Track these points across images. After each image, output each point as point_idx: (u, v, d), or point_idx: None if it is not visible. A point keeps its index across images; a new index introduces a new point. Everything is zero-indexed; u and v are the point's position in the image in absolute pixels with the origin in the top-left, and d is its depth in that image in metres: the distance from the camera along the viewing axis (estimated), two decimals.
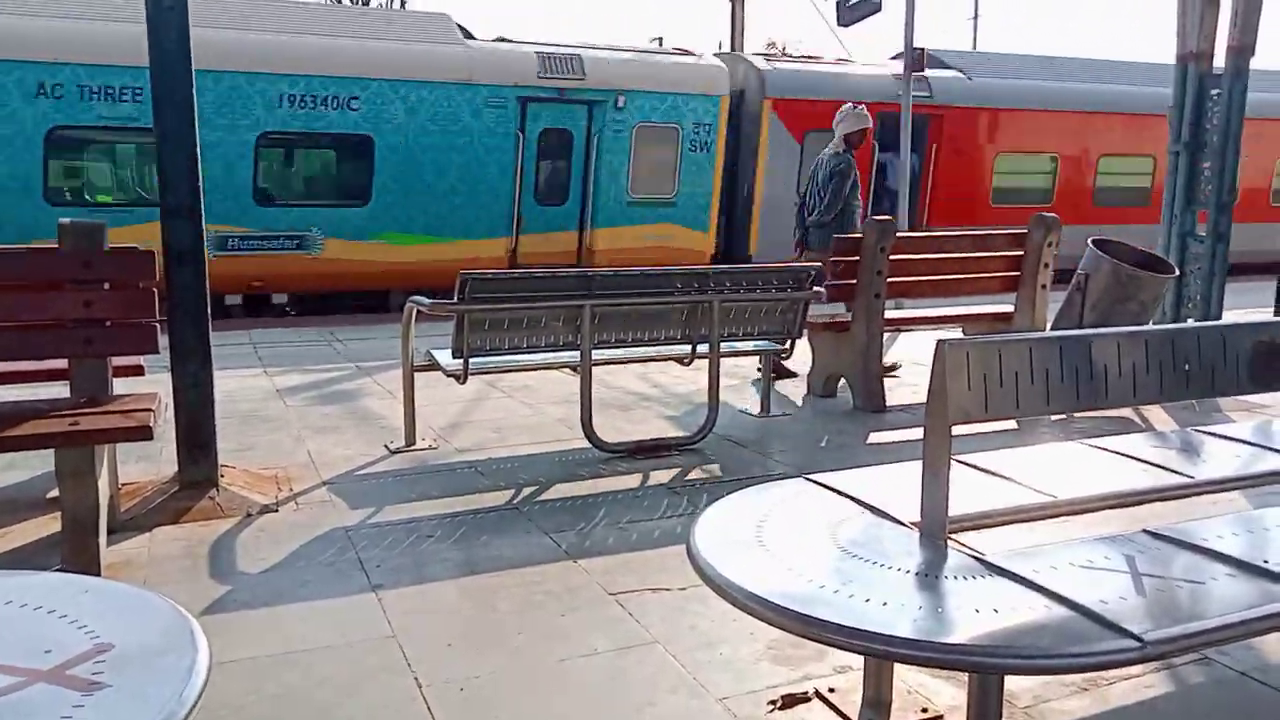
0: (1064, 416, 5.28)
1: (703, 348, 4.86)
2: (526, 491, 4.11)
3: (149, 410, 3.20)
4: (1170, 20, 6.74)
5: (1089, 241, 5.82)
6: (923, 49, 10.30)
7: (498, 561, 3.32)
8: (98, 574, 3.04)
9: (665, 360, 5.09)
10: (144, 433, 3.06)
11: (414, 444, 4.81)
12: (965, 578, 1.92)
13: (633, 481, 4.27)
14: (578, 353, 4.54)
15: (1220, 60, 6.52)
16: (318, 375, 6.77)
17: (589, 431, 4.60)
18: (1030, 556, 2.01)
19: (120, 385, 3.62)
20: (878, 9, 10.13)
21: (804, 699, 2.43)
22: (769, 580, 1.90)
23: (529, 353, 4.56)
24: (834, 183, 6.52)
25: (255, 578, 3.18)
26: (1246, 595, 1.86)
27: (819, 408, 5.83)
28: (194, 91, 3.82)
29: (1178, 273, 6.19)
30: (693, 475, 4.39)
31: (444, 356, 4.58)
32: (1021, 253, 6.19)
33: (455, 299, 4.23)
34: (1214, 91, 6.54)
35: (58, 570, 3.02)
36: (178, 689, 1.38)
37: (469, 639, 2.75)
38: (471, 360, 4.40)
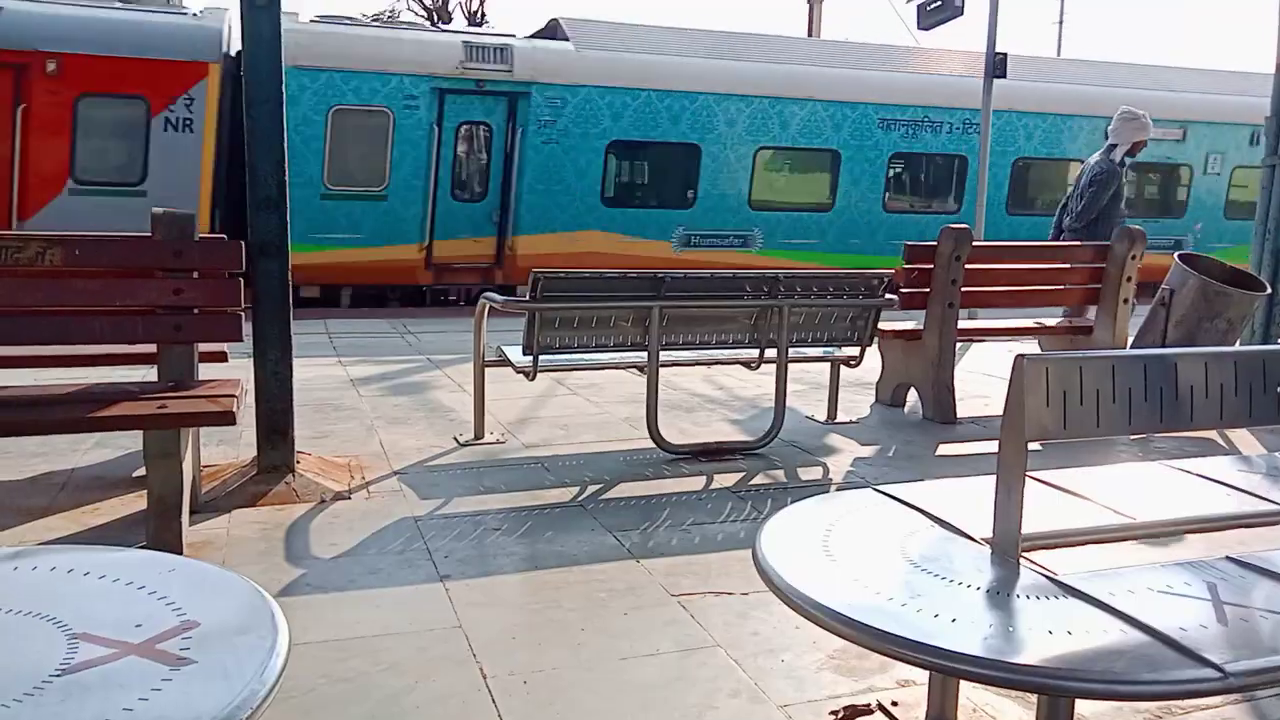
0: (1143, 436, 5.12)
1: (770, 352, 4.84)
2: (591, 489, 4.15)
3: (232, 396, 3.31)
4: (1270, 27, 6.49)
5: (1175, 256, 5.64)
6: (1004, 53, 10.10)
7: (562, 558, 3.36)
8: (180, 553, 3.16)
9: (733, 364, 5.08)
10: (228, 418, 3.17)
11: (482, 438, 4.89)
12: (1037, 597, 1.89)
13: (696, 484, 4.28)
14: (645, 353, 4.56)
15: None
16: (390, 367, 6.92)
17: (654, 432, 4.62)
18: (1106, 578, 1.97)
19: (204, 371, 3.76)
20: (959, 13, 9.96)
21: (866, 711, 2.41)
22: (835, 590, 1.89)
23: (597, 351, 4.60)
24: (1092, 190, 6.49)
25: (328, 563, 3.27)
26: None
27: (887, 417, 5.75)
28: (284, 90, 3.94)
29: (1269, 290, 5.96)
30: (757, 480, 4.38)
31: (514, 353, 4.64)
32: (1103, 265, 6.03)
33: (528, 297, 4.29)
34: None
35: (143, 548, 3.15)
36: (259, 668, 1.43)
37: (533, 633, 2.79)
38: (541, 358, 4.46)
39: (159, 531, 3.23)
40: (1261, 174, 6.63)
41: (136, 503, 3.70)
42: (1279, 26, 6.43)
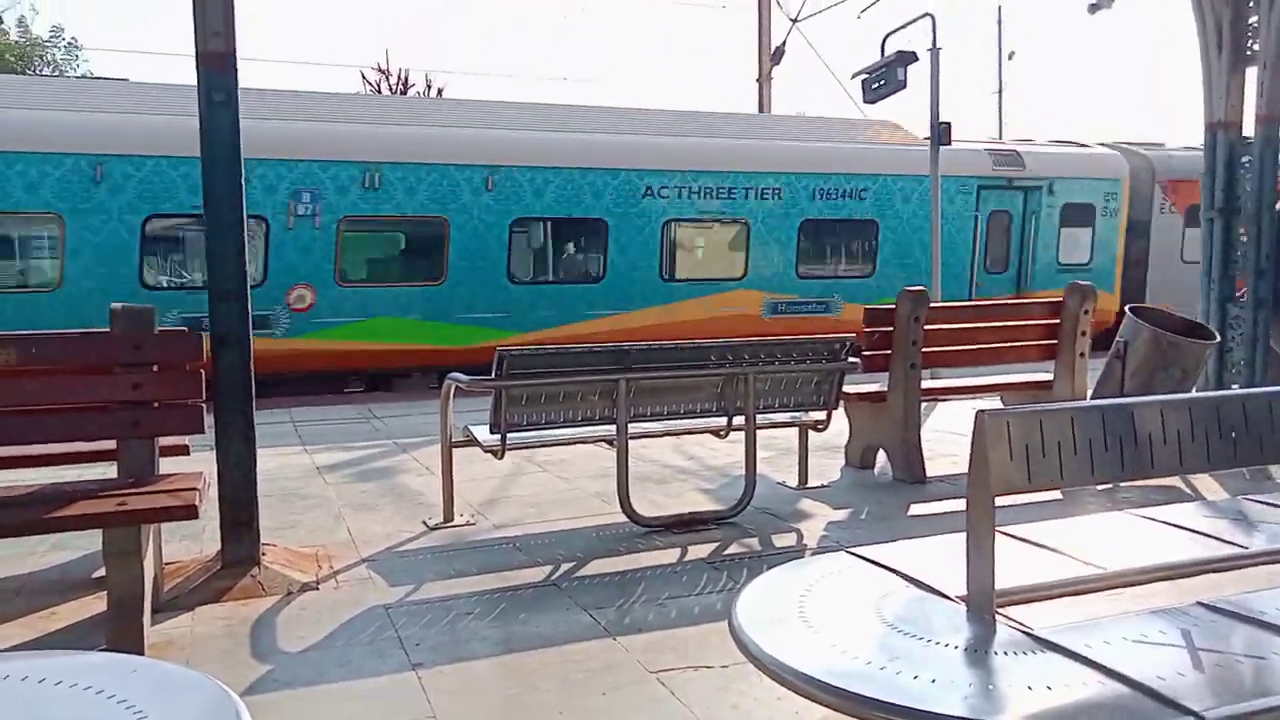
0: (1109, 486, 5.18)
1: (738, 420, 4.86)
2: (564, 567, 4.09)
3: (194, 490, 3.25)
4: (1198, 91, 6.80)
5: (1127, 309, 5.79)
6: (948, 123, 10.45)
7: (537, 639, 3.29)
8: (142, 654, 3.06)
9: (701, 433, 5.09)
10: (190, 512, 3.11)
11: (452, 520, 4.82)
12: (1015, 653, 1.88)
13: (671, 556, 4.24)
14: (614, 426, 4.56)
15: (1249, 128, 6.54)
16: (356, 452, 6.83)
17: (626, 505, 4.59)
18: (1082, 631, 1.97)
19: (165, 464, 3.69)
20: (902, 87, 10.29)
21: None
22: (814, 657, 1.87)
23: (565, 427, 4.59)
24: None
25: (296, 657, 3.17)
26: None
27: (857, 479, 5.77)
28: (243, 184, 3.97)
29: (1219, 339, 6.12)
30: (731, 549, 4.35)
31: (481, 432, 4.62)
32: (1057, 321, 6.15)
33: (493, 375, 4.28)
34: (1244, 159, 6.55)
35: (103, 650, 3.04)
36: None
37: (509, 718, 2.72)
38: (509, 435, 4.43)
39: (120, 633, 3.13)
40: (1202, 227, 6.86)
41: (96, 605, 3.59)
42: (1204, 90, 6.73)
